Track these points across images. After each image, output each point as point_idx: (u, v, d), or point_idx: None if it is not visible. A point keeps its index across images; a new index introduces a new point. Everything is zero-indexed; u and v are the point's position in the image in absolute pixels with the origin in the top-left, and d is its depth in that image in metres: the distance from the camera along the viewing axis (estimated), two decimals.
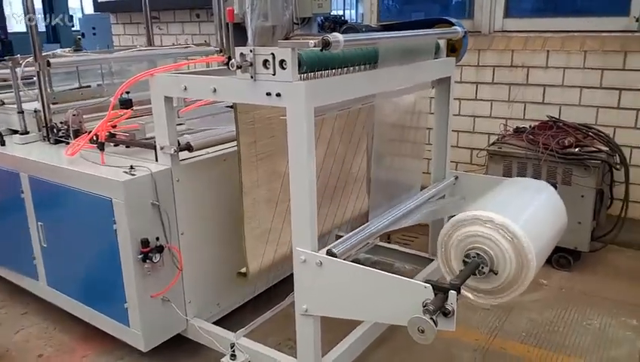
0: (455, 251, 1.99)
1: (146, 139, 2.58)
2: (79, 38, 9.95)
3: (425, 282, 1.67)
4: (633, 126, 3.55)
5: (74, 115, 2.69)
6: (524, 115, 3.93)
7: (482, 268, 1.90)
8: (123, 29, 6.30)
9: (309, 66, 1.88)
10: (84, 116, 2.73)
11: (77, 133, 2.65)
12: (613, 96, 3.57)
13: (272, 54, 1.82)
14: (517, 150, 3.42)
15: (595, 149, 3.26)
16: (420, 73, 2.45)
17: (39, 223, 2.61)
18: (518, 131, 3.64)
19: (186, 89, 2.12)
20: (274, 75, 1.84)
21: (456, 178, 2.90)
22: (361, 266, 1.84)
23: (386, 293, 1.77)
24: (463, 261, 1.93)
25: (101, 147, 2.40)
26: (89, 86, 3.30)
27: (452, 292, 1.61)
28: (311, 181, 1.87)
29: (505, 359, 2.54)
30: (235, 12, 4.59)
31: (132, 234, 2.18)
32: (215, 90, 2.02)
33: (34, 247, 2.70)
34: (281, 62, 1.81)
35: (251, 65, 1.87)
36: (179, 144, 2.31)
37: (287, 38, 5.02)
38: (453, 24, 2.70)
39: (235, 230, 2.41)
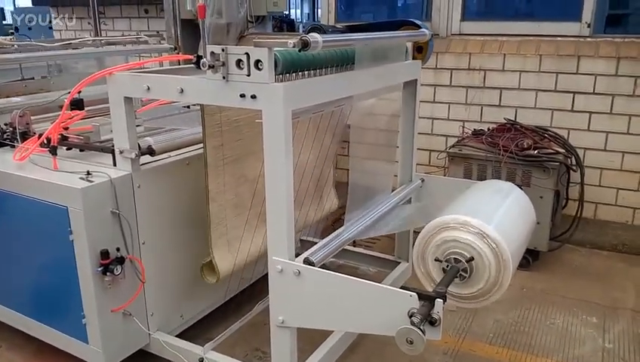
0: (432, 257, 1.96)
1: (101, 141, 2.42)
2: (12, 33, 9.38)
3: (409, 290, 1.63)
4: (586, 128, 3.66)
5: (20, 116, 2.48)
6: (481, 117, 3.99)
7: (461, 274, 1.88)
8: (64, 23, 5.97)
9: (285, 67, 1.81)
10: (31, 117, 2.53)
11: (24, 136, 2.44)
12: (567, 100, 3.68)
13: (247, 54, 1.73)
14: (477, 152, 3.46)
15: (552, 151, 3.34)
16: (392, 75, 2.42)
17: None
18: (476, 134, 3.69)
19: (149, 89, 1.98)
20: (248, 75, 1.74)
21: (423, 180, 2.89)
22: (343, 275, 1.77)
23: (369, 303, 1.71)
24: (443, 269, 1.91)
25: (53, 151, 2.22)
26: (32, 78, 3.07)
27: (438, 301, 1.58)
28: (288, 187, 1.79)
29: (476, 361, 2.54)
30: (188, 8, 4.46)
31: (91, 245, 2.03)
32: (182, 91, 1.90)
33: None
34: (257, 62, 1.72)
35: (223, 65, 1.76)
36: (139, 148, 2.17)
37: (241, 37, 4.91)
38: (419, 26, 2.69)
39: (199, 237, 2.30)
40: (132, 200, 2.17)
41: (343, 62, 2.10)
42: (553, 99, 3.72)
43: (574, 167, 3.41)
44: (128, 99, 2.08)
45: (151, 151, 2.19)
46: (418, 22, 2.72)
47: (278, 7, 4.80)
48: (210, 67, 1.74)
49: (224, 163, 2.22)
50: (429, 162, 4.20)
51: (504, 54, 3.80)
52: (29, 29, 9.86)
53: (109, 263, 2.05)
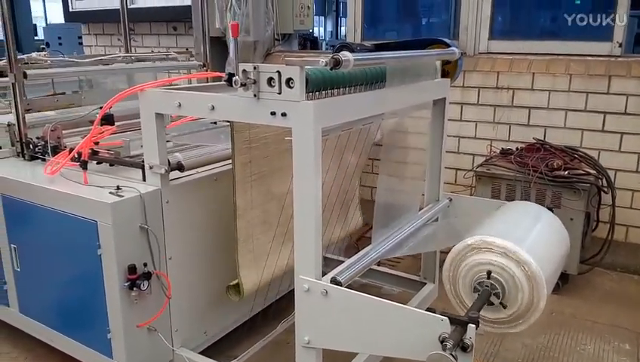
0: (464, 278, 1.92)
1: (131, 157, 2.44)
2: (43, 48, 9.65)
3: (439, 314, 1.59)
4: (617, 149, 3.59)
5: (52, 130, 2.52)
6: (509, 136, 3.93)
7: (495, 297, 1.84)
8: (95, 39, 6.10)
9: (315, 85, 1.80)
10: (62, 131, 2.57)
11: (55, 150, 2.48)
12: (597, 120, 3.61)
13: (278, 72, 1.73)
14: (506, 172, 3.41)
15: (583, 172, 3.27)
16: (422, 93, 2.40)
17: (12, 245, 2.42)
18: (504, 153, 3.63)
19: (180, 106, 2.00)
20: (279, 93, 1.74)
21: (450, 200, 2.85)
22: (371, 296, 1.74)
23: (399, 326, 1.67)
24: (474, 292, 1.87)
25: (84, 166, 2.24)
26: (64, 93, 3.13)
27: (471, 326, 1.54)
28: (317, 205, 1.78)
29: None
30: (217, 26, 4.52)
31: (119, 259, 2.03)
32: (213, 108, 1.91)
33: (5, 271, 2.50)
34: (288, 80, 1.72)
35: (255, 82, 1.77)
36: (169, 163, 2.18)
37: (268, 54, 4.95)
38: (448, 45, 2.68)
39: (225, 253, 2.29)
40: (160, 215, 2.18)
41: (374, 80, 2.09)
42: (583, 119, 3.65)
43: (605, 189, 3.33)
44: (159, 116, 2.10)
45: (180, 167, 2.20)
46: (447, 40, 2.72)
47: (305, 25, 4.84)
48: (242, 85, 1.75)
49: (252, 179, 2.22)
50: (455, 181, 4.15)
51: (533, 73, 3.76)
52: (60, 44, 10.14)
53: (136, 278, 2.05)
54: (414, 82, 2.25)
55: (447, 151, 4.06)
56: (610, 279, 3.55)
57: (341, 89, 1.95)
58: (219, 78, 2.25)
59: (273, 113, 1.77)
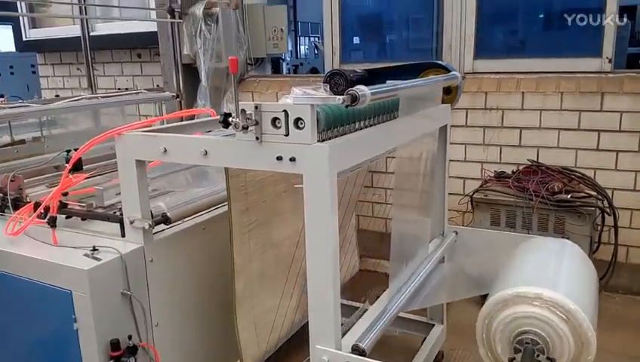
0: (501, 337, 1.70)
1: (105, 207, 2.14)
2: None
3: None
4: (614, 168, 3.47)
5: (12, 181, 2.20)
6: (500, 158, 3.78)
7: (538, 355, 1.63)
8: (52, 69, 5.72)
9: (326, 125, 1.57)
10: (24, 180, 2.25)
11: (17, 203, 2.16)
12: (591, 138, 3.49)
13: (285, 111, 1.49)
14: (504, 197, 3.24)
15: (585, 195, 3.14)
16: (431, 121, 2.22)
17: None
18: (500, 176, 3.48)
19: (166, 151, 1.73)
20: (287, 135, 1.50)
21: (456, 233, 2.65)
22: None
23: None
24: (514, 348, 1.65)
25: (52, 223, 1.93)
26: (23, 141, 2.79)
27: None
28: (334, 262, 1.53)
29: None
30: (185, 52, 4.24)
31: (99, 334, 1.73)
32: (206, 154, 1.65)
33: None
34: (297, 120, 1.48)
35: (257, 124, 1.52)
36: (152, 216, 1.90)
37: (241, 80, 4.70)
38: (447, 69, 2.51)
39: (219, 312, 2.01)
40: (144, 277, 1.89)
41: (383, 111, 1.89)
42: (577, 138, 3.53)
43: (608, 210, 3.20)
44: (140, 163, 1.82)
45: (166, 220, 1.92)
46: (445, 63, 2.56)
47: (279, 48, 4.62)
48: (244, 128, 1.50)
49: (249, 229, 1.95)
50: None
51: (522, 92, 3.63)
52: (12, 74, 9.61)
53: (120, 355, 1.75)
54: (421, 110, 2.06)
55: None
56: (615, 303, 3.41)
57: (351, 125, 1.73)
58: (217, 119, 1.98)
59: (279, 158, 1.53)
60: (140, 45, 4.94)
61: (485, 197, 3.29)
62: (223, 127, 1.62)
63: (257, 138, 1.54)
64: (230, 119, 1.58)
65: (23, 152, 2.57)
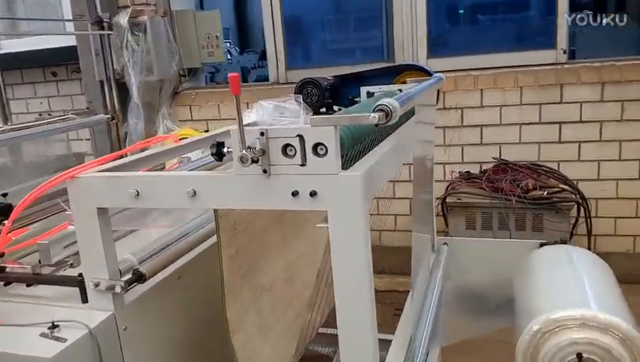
0: None
1: (55, 265, 1.73)
2: None
3: None
4: (577, 159, 3.45)
5: None
6: (462, 158, 3.67)
7: None
8: None
9: (347, 148, 1.29)
10: None
11: None
12: (553, 131, 3.46)
13: (300, 136, 1.19)
14: (479, 199, 3.11)
15: (558, 189, 3.07)
16: (431, 124, 2.02)
17: None
18: (467, 177, 3.35)
19: (138, 195, 1.37)
20: (303, 165, 1.21)
21: (447, 244, 2.46)
22: None
23: None
24: None
25: None
26: None
27: None
28: (372, 319, 1.26)
29: None
30: (114, 67, 3.79)
31: None
32: (194, 194, 1.31)
33: None
34: (316, 146, 1.19)
35: (264, 153, 1.22)
36: (121, 274, 1.53)
37: (176, 93, 4.29)
38: (425, 71, 2.33)
39: None
40: (119, 350, 1.51)
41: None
42: (538, 131, 3.48)
43: (581, 202, 3.16)
44: (103, 211, 1.45)
45: (140, 277, 1.55)
46: (422, 65, 2.37)
47: (215, 57, 4.26)
48: (254, 162, 1.18)
49: (241, 275, 1.63)
50: (410, 211, 3.80)
51: (481, 89, 3.53)
52: None
53: None
54: (426, 115, 1.85)
55: (398, 181, 3.74)
56: None
57: (363, 142, 1.47)
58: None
59: (295, 193, 1.22)
60: (55, 62, 4.39)
61: (459, 200, 3.14)
62: (216, 159, 1.30)
63: (265, 171, 1.23)
64: (225, 150, 1.28)
65: None
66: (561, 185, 3.10)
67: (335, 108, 2.48)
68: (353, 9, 4.18)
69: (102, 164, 1.50)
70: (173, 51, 4.09)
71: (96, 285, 1.49)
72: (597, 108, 3.34)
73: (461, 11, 3.87)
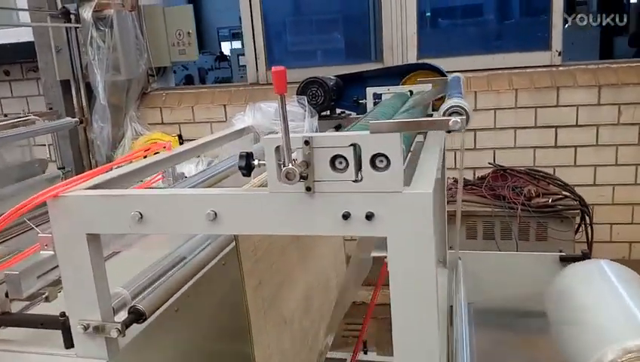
0: None
1: (29, 299, 1.43)
2: None
3: None
4: (573, 164, 3.35)
5: None
6: (455, 163, 3.50)
7: None
8: None
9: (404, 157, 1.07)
10: None
11: None
12: (549, 135, 3.34)
13: (354, 146, 0.96)
14: (481, 208, 2.94)
15: (561, 196, 2.94)
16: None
17: None
18: (465, 184, 3.18)
19: (142, 218, 1.10)
20: (357, 181, 0.97)
21: (460, 259, 2.28)
22: None
23: None
24: None
25: None
26: None
27: None
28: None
29: None
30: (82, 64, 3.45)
31: None
32: (216, 218, 1.06)
33: None
34: (375, 158, 0.96)
35: (307, 166, 0.98)
36: (114, 311, 1.25)
37: (144, 94, 3.96)
38: (440, 71, 2.18)
39: None
40: None
41: None
42: (534, 135, 3.36)
43: (586, 209, 3.04)
44: (93, 237, 1.17)
45: (139, 316, 1.27)
46: (435, 65, 2.21)
47: (188, 55, 3.96)
48: (303, 178, 0.94)
49: (264, 310, 1.38)
50: None
51: (475, 92, 3.38)
52: None
53: None
54: None
55: None
56: None
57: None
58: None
59: (346, 216, 0.99)
60: (7, 60, 3.98)
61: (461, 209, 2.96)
62: (244, 174, 1.06)
63: (309, 188, 0.99)
64: (256, 162, 1.03)
65: None
66: (565, 193, 2.98)
67: (338, 110, 2.27)
68: (341, 9, 3.98)
69: (88, 180, 1.22)
70: (142, 49, 3.77)
71: (86, 328, 1.20)
72: (593, 111, 3.24)
73: (452, 10, 3.72)
